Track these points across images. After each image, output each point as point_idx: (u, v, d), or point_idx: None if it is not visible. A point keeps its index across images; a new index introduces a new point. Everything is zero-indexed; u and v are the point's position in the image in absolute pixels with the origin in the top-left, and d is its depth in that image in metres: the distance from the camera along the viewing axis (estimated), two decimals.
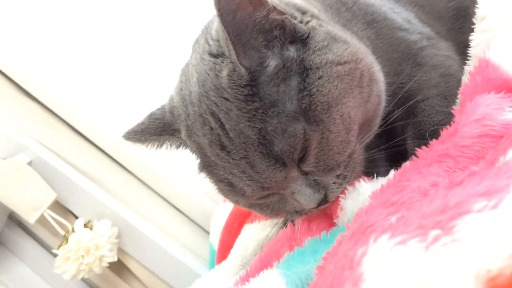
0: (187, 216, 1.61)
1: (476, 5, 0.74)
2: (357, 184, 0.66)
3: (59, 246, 1.43)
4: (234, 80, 0.61)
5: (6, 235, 1.59)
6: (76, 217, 1.53)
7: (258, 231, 0.91)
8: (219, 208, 1.28)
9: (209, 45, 0.65)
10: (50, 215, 1.43)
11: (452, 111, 0.66)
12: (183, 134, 0.71)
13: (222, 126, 0.63)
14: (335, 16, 0.79)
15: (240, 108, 0.60)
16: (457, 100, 0.71)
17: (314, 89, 0.60)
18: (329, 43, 0.65)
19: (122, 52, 1.66)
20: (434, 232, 0.38)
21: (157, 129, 0.75)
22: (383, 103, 0.72)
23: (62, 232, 1.45)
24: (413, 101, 0.77)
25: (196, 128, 0.67)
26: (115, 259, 1.44)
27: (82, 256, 1.37)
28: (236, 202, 0.72)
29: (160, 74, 1.63)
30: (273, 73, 0.61)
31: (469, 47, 0.73)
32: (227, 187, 0.68)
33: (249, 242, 0.92)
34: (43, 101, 1.57)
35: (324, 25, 0.69)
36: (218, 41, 0.63)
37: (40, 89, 1.56)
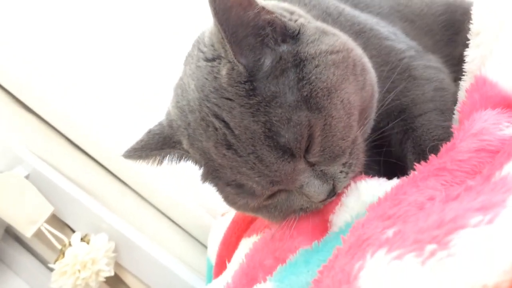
0: (184, 230, 1.61)
1: (471, 21, 0.75)
2: (358, 183, 0.67)
3: (56, 261, 1.42)
4: (233, 77, 0.62)
5: (2, 249, 1.58)
6: (73, 231, 1.52)
7: None
8: (217, 222, 1.28)
9: (203, 52, 0.67)
10: (47, 229, 1.43)
11: (452, 129, 0.67)
12: (185, 144, 0.71)
13: (226, 125, 0.63)
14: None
15: (242, 105, 0.61)
16: (455, 116, 0.72)
17: (313, 77, 0.62)
18: (320, 36, 0.68)
19: (122, 57, 1.66)
20: (430, 247, 0.39)
21: (158, 144, 0.75)
22: (376, 95, 0.74)
23: (59, 246, 1.44)
24: (406, 114, 0.79)
25: (198, 134, 0.68)
26: (112, 274, 1.43)
27: (79, 271, 1.36)
28: (244, 206, 0.71)
29: (160, 75, 1.64)
30: (270, 67, 0.63)
31: (464, 62, 0.74)
32: (235, 189, 0.68)
33: None
34: (41, 114, 1.57)
35: (312, 21, 0.72)
36: (212, 45, 0.65)
37: (38, 102, 1.56)
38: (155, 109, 1.55)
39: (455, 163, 0.58)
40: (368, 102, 0.71)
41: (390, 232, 0.48)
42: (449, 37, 1.03)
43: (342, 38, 0.70)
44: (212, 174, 0.70)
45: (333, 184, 0.66)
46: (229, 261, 0.99)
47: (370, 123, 0.73)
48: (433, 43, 1.00)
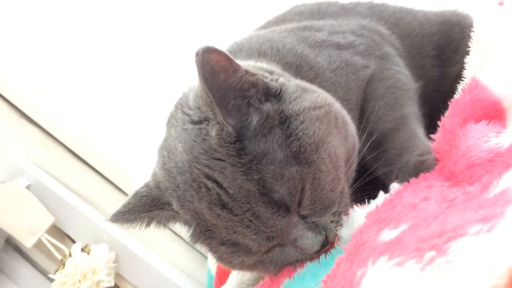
0: (185, 241, 1.61)
1: (472, 29, 0.78)
2: (350, 211, 0.68)
3: (56, 271, 1.42)
4: (223, 138, 0.63)
5: (3, 259, 1.58)
6: (74, 241, 1.52)
7: None
8: None
9: (188, 115, 0.68)
10: (48, 239, 1.43)
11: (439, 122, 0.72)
12: (175, 205, 0.70)
13: (219, 185, 0.64)
14: (296, 74, 0.83)
15: (234, 164, 0.63)
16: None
17: (300, 133, 0.64)
18: (301, 93, 0.70)
19: (122, 60, 1.67)
20: (429, 254, 0.40)
21: (146, 206, 0.73)
22: (357, 145, 0.76)
23: (59, 257, 1.44)
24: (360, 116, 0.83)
25: (189, 195, 0.67)
26: (112, 284, 1.43)
27: (79, 281, 1.36)
28: (240, 264, 0.71)
29: (160, 76, 1.65)
30: (257, 126, 0.64)
31: (462, 79, 0.77)
32: (230, 248, 0.68)
33: None
34: (42, 125, 1.58)
35: (292, 79, 0.75)
36: (198, 108, 0.67)
37: (39, 112, 1.57)
38: (155, 111, 1.57)
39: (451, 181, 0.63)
40: (352, 153, 0.73)
41: (384, 233, 0.49)
42: (446, 56, 1.05)
43: (322, 94, 0.73)
44: (204, 235, 0.70)
45: (325, 235, 0.67)
46: (229, 272, 1.00)
47: (353, 171, 0.75)
48: (420, 66, 1.03)
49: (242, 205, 0.63)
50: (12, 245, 1.60)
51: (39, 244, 1.44)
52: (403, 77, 0.91)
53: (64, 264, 1.41)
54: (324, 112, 0.68)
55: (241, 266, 0.72)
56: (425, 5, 1.15)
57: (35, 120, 1.59)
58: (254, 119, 0.65)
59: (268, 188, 0.62)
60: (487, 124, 0.68)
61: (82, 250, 1.45)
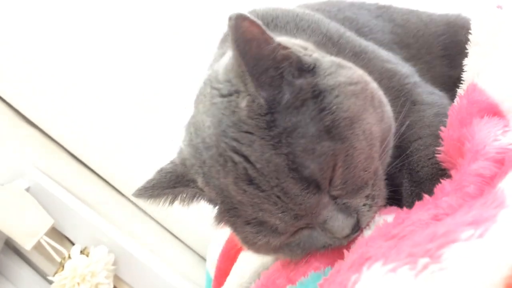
0: (184, 243, 1.61)
1: (470, 31, 0.78)
2: (377, 217, 0.66)
3: (55, 273, 1.42)
4: (254, 110, 0.61)
5: (2, 261, 1.58)
6: (73, 244, 1.52)
7: (254, 259, 0.91)
8: (216, 235, 1.28)
9: (217, 89, 0.66)
10: (47, 242, 1.43)
11: (440, 132, 0.69)
12: (200, 182, 0.69)
13: (246, 159, 0.61)
14: (323, 52, 0.80)
15: (263, 137, 0.60)
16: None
17: (334, 107, 0.62)
18: (337, 69, 0.67)
19: (122, 60, 1.67)
20: (423, 260, 0.39)
21: (170, 182, 0.72)
22: (394, 129, 0.72)
23: (58, 259, 1.44)
24: (401, 140, 0.76)
25: (215, 171, 0.65)
26: (111, 287, 1.43)
27: (78, 284, 1.36)
28: (265, 245, 0.68)
29: (160, 76, 1.64)
30: (289, 99, 0.62)
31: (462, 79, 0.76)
32: (256, 227, 0.66)
33: (245, 270, 0.92)
34: (41, 126, 1.58)
35: (326, 56, 0.72)
36: (229, 81, 0.65)
37: (38, 114, 1.58)
38: (155, 112, 1.57)
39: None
40: (387, 135, 0.69)
41: (392, 251, 0.48)
42: (451, 58, 1.03)
43: (359, 71, 0.70)
44: (229, 213, 0.67)
45: (357, 218, 0.64)
46: (228, 274, 1.00)
47: (388, 154, 0.72)
48: (429, 67, 1.00)
49: (270, 180, 0.60)
50: (11, 247, 1.60)
51: (38, 246, 1.44)
52: (449, 104, 0.84)
53: (63, 267, 1.41)
54: (361, 88, 0.66)
55: (266, 249, 0.69)
56: (425, 8, 1.15)
57: (34, 122, 1.59)
58: (287, 93, 0.62)
59: (298, 163, 0.59)
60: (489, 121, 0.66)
61: (81, 252, 1.45)
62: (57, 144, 1.59)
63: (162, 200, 0.73)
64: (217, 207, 0.70)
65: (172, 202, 0.73)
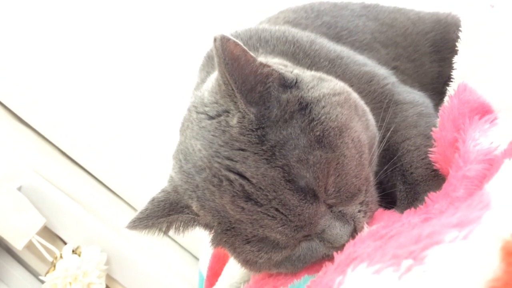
0: (177, 242, 1.60)
1: (460, 28, 0.78)
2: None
3: (47, 273, 1.41)
4: (245, 126, 0.62)
5: None
6: (65, 243, 1.51)
7: None
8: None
9: (204, 112, 0.67)
10: (39, 241, 1.42)
11: (432, 133, 0.69)
12: (195, 207, 0.69)
13: (242, 176, 0.62)
14: (293, 63, 0.82)
15: (256, 152, 0.61)
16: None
17: (323, 117, 0.63)
18: (318, 82, 0.69)
19: (121, 61, 1.67)
20: (407, 262, 0.39)
21: (164, 211, 0.71)
22: (378, 136, 0.74)
23: (50, 259, 1.43)
24: (388, 142, 0.77)
25: (209, 193, 0.66)
26: (103, 287, 1.42)
27: (70, 283, 1.36)
28: (267, 262, 0.68)
29: (159, 76, 1.64)
30: (278, 112, 0.63)
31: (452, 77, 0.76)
32: (257, 245, 0.66)
33: (236, 270, 0.91)
34: (34, 126, 1.58)
35: (306, 71, 0.73)
36: (216, 102, 0.66)
37: (31, 114, 1.57)
38: (155, 112, 1.56)
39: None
40: (373, 142, 0.71)
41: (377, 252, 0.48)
42: (440, 54, 1.03)
43: (340, 83, 0.71)
44: (227, 234, 0.67)
45: (353, 225, 0.65)
46: (219, 274, 0.99)
47: (375, 161, 0.73)
48: (417, 65, 1.00)
49: (268, 194, 0.61)
50: (3, 246, 1.60)
51: (30, 246, 1.43)
52: (430, 102, 0.87)
53: (55, 266, 1.40)
54: (344, 99, 0.67)
55: (268, 265, 0.69)
56: (417, 8, 1.14)
57: (26, 121, 1.58)
58: (275, 107, 0.64)
59: (293, 174, 0.60)
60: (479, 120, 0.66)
61: (73, 251, 1.44)
62: (49, 142, 1.58)
63: (157, 229, 0.72)
64: (213, 231, 0.70)
65: (167, 230, 0.72)
